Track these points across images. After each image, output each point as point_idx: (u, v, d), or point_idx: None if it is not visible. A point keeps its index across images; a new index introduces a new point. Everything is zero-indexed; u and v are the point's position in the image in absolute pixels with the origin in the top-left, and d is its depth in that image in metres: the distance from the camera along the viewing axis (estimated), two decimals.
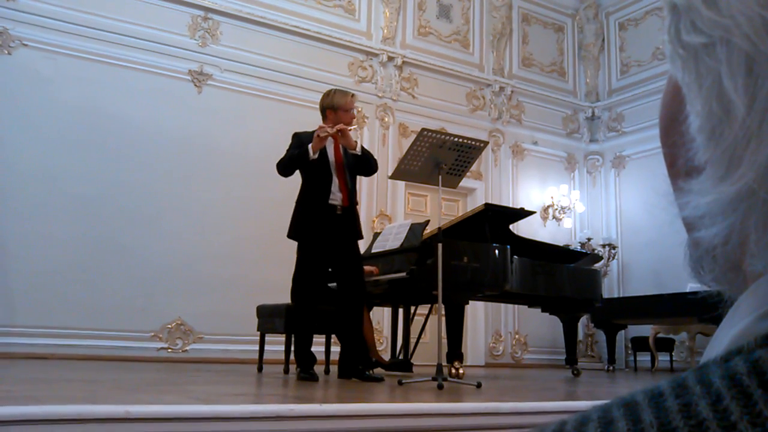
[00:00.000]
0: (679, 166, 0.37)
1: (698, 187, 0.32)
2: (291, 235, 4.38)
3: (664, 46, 0.36)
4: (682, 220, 0.35)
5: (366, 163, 4.31)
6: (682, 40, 0.33)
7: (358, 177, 4.50)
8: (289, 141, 4.45)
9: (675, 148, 0.37)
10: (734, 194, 0.30)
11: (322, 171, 4.26)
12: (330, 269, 4.45)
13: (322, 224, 4.22)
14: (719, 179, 0.31)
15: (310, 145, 4.18)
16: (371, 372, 4.34)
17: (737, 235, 0.31)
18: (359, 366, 4.22)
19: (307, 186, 4.33)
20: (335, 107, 4.33)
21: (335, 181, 4.27)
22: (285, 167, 4.29)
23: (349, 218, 4.30)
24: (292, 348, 4.74)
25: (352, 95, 4.44)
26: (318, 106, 4.54)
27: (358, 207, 4.50)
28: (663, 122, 0.39)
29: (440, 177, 4.00)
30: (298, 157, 4.23)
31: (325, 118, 4.39)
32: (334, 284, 4.57)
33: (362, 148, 4.41)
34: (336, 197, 4.27)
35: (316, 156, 4.20)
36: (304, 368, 4.19)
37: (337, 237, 4.24)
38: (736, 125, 0.30)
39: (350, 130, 4.31)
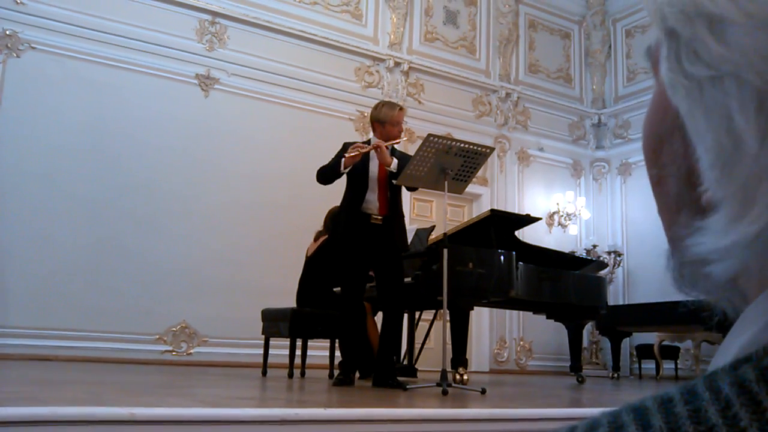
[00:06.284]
0: (670, 187, 0.36)
1: (714, 227, 0.31)
2: (330, 240, 4.51)
3: (663, 73, 0.34)
4: (687, 256, 0.33)
5: None
6: (685, 71, 0.32)
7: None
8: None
9: (664, 169, 0.36)
10: (753, 235, 0.29)
11: (359, 180, 4.27)
12: (371, 275, 4.44)
13: (357, 231, 4.21)
14: (734, 219, 0.30)
15: (343, 159, 4.19)
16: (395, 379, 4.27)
17: (749, 270, 0.31)
18: (395, 378, 4.16)
19: (346, 193, 4.35)
20: (382, 120, 4.32)
21: (373, 190, 4.26)
22: (322, 176, 4.32)
23: (389, 228, 4.25)
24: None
25: (400, 108, 4.40)
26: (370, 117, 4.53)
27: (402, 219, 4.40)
28: (650, 143, 0.38)
29: (446, 182, 4.00)
30: (330, 168, 4.28)
31: (373, 130, 4.41)
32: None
33: (403, 157, 4.34)
34: (371, 206, 4.24)
35: (347, 171, 4.20)
36: (346, 372, 4.18)
37: (374, 245, 4.21)
38: (749, 161, 0.29)
39: (398, 142, 4.32)
